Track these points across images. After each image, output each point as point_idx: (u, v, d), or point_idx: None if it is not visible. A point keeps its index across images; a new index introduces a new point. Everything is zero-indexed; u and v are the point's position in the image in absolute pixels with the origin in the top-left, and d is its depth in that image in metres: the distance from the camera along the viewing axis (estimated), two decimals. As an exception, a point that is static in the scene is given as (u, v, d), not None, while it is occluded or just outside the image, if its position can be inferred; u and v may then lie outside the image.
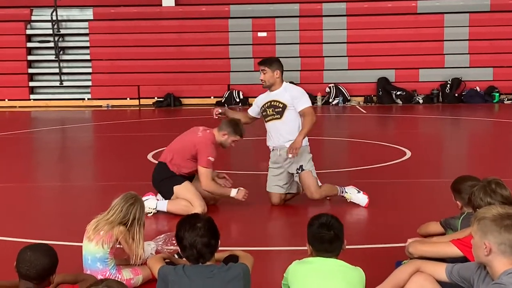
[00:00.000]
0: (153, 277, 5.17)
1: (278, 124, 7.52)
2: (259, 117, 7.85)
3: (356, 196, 7.47)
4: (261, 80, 7.56)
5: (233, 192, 7.33)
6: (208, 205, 7.35)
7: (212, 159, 7.22)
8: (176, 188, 7.31)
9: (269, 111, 7.56)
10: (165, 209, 7.32)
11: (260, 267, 5.16)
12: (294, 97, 7.49)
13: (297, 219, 7.16)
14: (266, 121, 7.64)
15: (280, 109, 7.50)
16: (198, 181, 7.40)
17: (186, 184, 7.34)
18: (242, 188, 7.37)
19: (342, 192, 7.51)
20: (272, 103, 7.56)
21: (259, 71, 7.62)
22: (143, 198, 7.19)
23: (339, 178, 8.83)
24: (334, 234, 4.00)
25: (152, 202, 7.37)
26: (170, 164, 7.36)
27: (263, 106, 7.64)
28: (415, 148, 11.36)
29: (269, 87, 7.56)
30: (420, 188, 8.66)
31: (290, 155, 7.24)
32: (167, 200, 7.37)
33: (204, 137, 7.31)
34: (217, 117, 7.69)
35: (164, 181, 7.39)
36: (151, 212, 7.33)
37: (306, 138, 7.52)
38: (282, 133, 7.49)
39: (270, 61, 7.59)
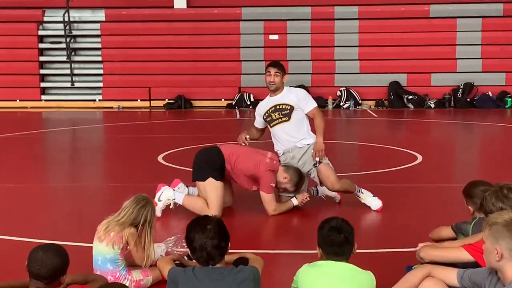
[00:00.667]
0: (162, 279, 5.17)
1: (287, 126, 7.53)
2: (265, 126, 7.83)
3: (371, 199, 7.44)
4: (272, 82, 7.57)
5: (295, 202, 7.42)
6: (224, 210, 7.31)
7: (273, 185, 7.27)
8: (209, 181, 7.16)
9: (275, 115, 7.56)
10: (180, 202, 7.27)
11: (270, 270, 5.14)
12: (300, 98, 7.57)
13: (308, 222, 7.15)
14: (272, 126, 7.62)
15: (288, 111, 7.52)
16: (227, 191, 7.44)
17: (219, 184, 7.19)
18: (298, 196, 7.39)
19: (359, 191, 7.49)
20: (278, 106, 7.57)
21: (266, 73, 7.65)
22: (158, 192, 7.23)
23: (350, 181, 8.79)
24: (344, 238, 3.99)
25: (170, 192, 7.26)
26: (227, 162, 7.30)
27: (266, 112, 7.64)
28: (426, 153, 11.32)
29: (275, 90, 7.61)
30: (431, 192, 8.63)
31: (317, 158, 7.35)
32: (184, 194, 7.32)
33: (271, 165, 7.29)
34: (244, 144, 7.64)
35: (208, 165, 7.26)
36: (172, 204, 7.26)
37: (314, 138, 7.56)
38: (293, 134, 7.50)
39: (281, 65, 7.74)
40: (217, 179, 7.21)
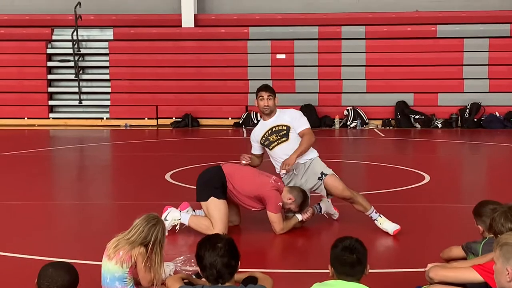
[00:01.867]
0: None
1: (286, 146, 7.52)
2: (263, 152, 7.83)
3: (388, 224, 7.24)
4: (266, 106, 7.57)
5: (300, 217, 7.42)
6: (229, 226, 7.31)
7: (281, 204, 7.25)
8: (211, 200, 7.18)
9: (272, 138, 7.55)
10: (186, 223, 7.28)
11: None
12: (293, 117, 7.59)
13: (316, 241, 7.13)
14: (271, 148, 7.60)
15: (285, 131, 7.53)
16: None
17: (222, 203, 7.20)
18: (303, 212, 7.38)
19: (375, 213, 7.32)
20: (274, 129, 7.57)
21: (259, 98, 7.62)
22: (165, 213, 7.23)
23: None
24: (356, 258, 3.97)
25: (176, 213, 7.29)
26: (228, 181, 7.30)
27: (263, 137, 7.63)
28: (434, 173, 11.29)
29: (270, 114, 7.62)
30: (439, 212, 8.59)
31: (283, 171, 7.30)
32: (190, 214, 7.33)
33: (276, 185, 7.29)
34: (246, 163, 7.61)
35: (209, 184, 7.29)
36: (178, 226, 7.27)
37: (316, 153, 7.60)
38: (291, 151, 7.47)
39: (272, 88, 7.77)
40: (220, 198, 7.21)
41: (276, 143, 7.55)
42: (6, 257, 6.49)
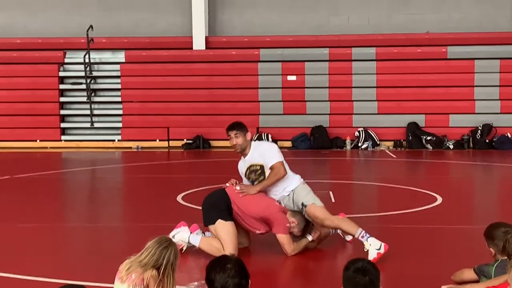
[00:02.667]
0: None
1: None
2: None
3: (374, 251, 6.97)
4: (234, 145, 7.47)
5: (310, 238, 7.38)
6: (239, 248, 7.30)
7: (289, 225, 7.24)
8: (219, 223, 7.17)
9: (253, 176, 7.51)
10: (197, 245, 7.26)
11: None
12: (263, 154, 7.41)
13: (329, 263, 7.10)
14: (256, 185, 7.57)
15: (260, 171, 7.45)
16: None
17: (229, 224, 7.19)
18: (313, 232, 7.36)
19: (363, 237, 7.09)
20: (251, 168, 7.51)
21: (228, 137, 7.52)
22: (175, 230, 7.22)
23: (369, 222, 8.74)
24: (369, 280, 3.95)
25: (185, 235, 7.29)
26: (233, 202, 7.30)
27: (245, 174, 7.59)
28: (446, 194, 11.25)
29: (242, 151, 7.50)
30: (452, 234, 8.55)
31: (237, 187, 7.27)
32: (200, 236, 7.32)
33: (281, 207, 7.31)
34: (233, 184, 7.51)
35: (215, 207, 7.29)
36: (184, 246, 7.27)
37: (299, 179, 7.47)
38: (274, 187, 7.41)
39: (240, 125, 7.55)
40: (227, 220, 7.21)
41: (257, 181, 7.50)
42: (19, 280, 6.50)
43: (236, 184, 7.46)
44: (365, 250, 6.98)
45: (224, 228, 7.18)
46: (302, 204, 7.32)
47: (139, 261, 5.00)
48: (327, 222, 7.23)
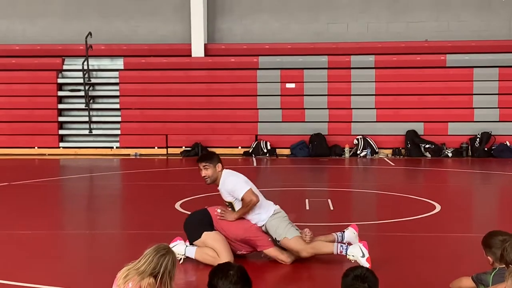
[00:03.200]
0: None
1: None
2: None
3: (360, 259, 6.96)
4: (204, 177, 7.41)
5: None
6: (235, 256, 7.29)
7: (270, 239, 7.34)
8: (205, 235, 7.25)
9: (229, 207, 7.50)
10: (193, 256, 7.28)
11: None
12: (230, 191, 7.35)
13: (328, 271, 7.08)
14: None
15: (230, 207, 7.45)
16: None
17: (216, 233, 7.29)
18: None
19: (341, 252, 7.09)
20: (225, 202, 7.52)
21: (198, 168, 7.43)
22: (172, 244, 7.23)
23: (368, 230, 8.74)
24: (368, 287, 3.94)
25: (181, 248, 7.32)
26: (215, 222, 7.34)
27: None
28: (444, 202, 11.25)
29: (212, 183, 7.45)
30: (450, 242, 8.55)
31: (218, 210, 7.27)
32: (195, 247, 7.32)
33: (258, 228, 7.37)
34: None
35: (198, 224, 7.35)
36: (181, 259, 7.29)
37: (273, 208, 7.42)
38: (250, 217, 7.39)
39: (211, 156, 7.48)
40: (211, 230, 7.30)
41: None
42: (17, 287, 6.48)
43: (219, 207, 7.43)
44: (353, 262, 6.96)
45: (211, 238, 7.24)
46: (275, 239, 7.35)
47: (137, 269, 4.98)
48: (303, 254, 7.23)
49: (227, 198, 7.44)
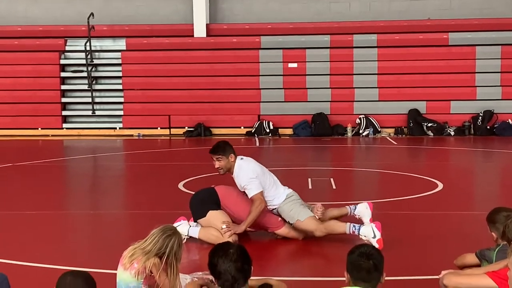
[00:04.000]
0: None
1: None
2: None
3: (371, 240, 6.92)
4: (218, 168, 7.42)
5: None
6: (240, 235, 7.33)
7: (280, 219, 7.42)
8: (209, 214, 7.29)
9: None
10: (196, 236, 7.32)
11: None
12: (242, 185, 7.38)
13: (333, 249, 7.13)
14: None
15: (244, 193, 7.44)
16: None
17: (221, 213, 7.32)
18: (313, 210, 7.38)
19: (354, 232, 7.09)
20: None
21: (213, 159, 7.41)
22: (176, 224, 7.27)
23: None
24: (373, 264, 3.98)
25: (185, 228, 7.36)
26: (222, 203, 7.37)
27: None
28: (447, 180, 11.28)
29: (225, 173, 7.46)
30: (453, 220, 8.59)
31: (224, 226, 7.21)
32: (199, 227, 7.37)
33: (266, 210, 7.39)
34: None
35: (204, 202, 7.38)
36: (184, 239, 7.33)
37: (285, 193, 7.47)
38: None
39: (223, 147, 7.45)
40: (216, 209, 7.32)
41: None
42: (24, 267, 6.54)
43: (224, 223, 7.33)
44: (366, 241, 6.98)
45: (216, 217, 7.27)
46: (289, 223, 7.41)
47: (142, 248, 5.03)
48: (317, 234, 7.29)
49: (239, 186, 7.45)
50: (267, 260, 6.99)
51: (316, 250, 7.26)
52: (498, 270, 4.41)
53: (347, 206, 7.62)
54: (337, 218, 7.48)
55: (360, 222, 7.43)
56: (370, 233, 6.98)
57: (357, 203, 7.65)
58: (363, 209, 7.56)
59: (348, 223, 7.19)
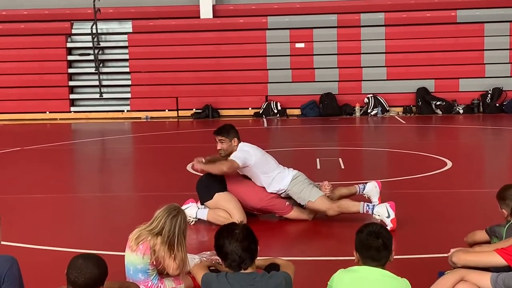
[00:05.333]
0: (194, 287, 5.19)
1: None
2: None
3: (385, 220, 6.91)
4: (219, 150, 7.40)
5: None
6: (249, 215, 7.34)
7: (288, 203, 7.44)
8: (217, 195, 7.30)
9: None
10: (205, 218, 7.34)
11: (300, 277, 5.14)
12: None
13: (339, 230, 7.13)
14: None
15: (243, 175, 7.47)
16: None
17: (228, 194, 7.33)
18: (320, 187, 7.39)
19: (367, 211, 7.08)
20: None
21: (215, 140, 7.42)
22: (184, 206, 7.28)
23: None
24: (382, 243, 3.98)
25: (193, 210, 7.38)
26: (229, 189, 7.39)
27: None
28: (456, 159, 11.25)
29: (226, 156, 7.40)
30: (462, 198, 8.57)
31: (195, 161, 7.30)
32: (207, 209, 7.38)
33: (272, 195, 7.41)
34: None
35: (211, 186, 7.38)
36: (192, 221, 7.35)
37: (291, 174, 7.42)
38: (270, 188, 7.41)
39: (227, 130, 7.44)
40: (223, 191, 7.33)
41: None
42: (33, 249, 6.57)
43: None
44: (379, 221, 6.96)
45: (225, 199, 7.28)
46: (300, 205, 7.41)
47: (149, 230, 5.04)
48: (330, 212, 7.27)
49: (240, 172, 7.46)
50: (275, 240, 7.00)
51: (325, 230, 7.27)
52: (507, 247, 4.39)
53: (356, 185, 7.61)
54: (346, 196, 7.46)
55: (368, 201, 7.41)
56: (384, 212, 6.97)
57: (366, 182, 7.64)
58: (372, 188, 7.55)
59: (362, 202, 7.17)
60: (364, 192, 7.56)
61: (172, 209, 5.12)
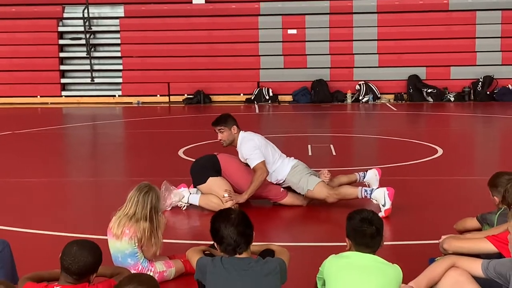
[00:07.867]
0: (185, 270, 5.23)
1: None
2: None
3: (380, 207, 6.96)
4: (220, 140, 7.41)
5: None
6: (241, 203, 7.35)
7: (282, 189, 7.47)
8: (209, 180, 7.29)
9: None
10: (197, 203, 7.35)
11: (293, 262, 5.17)
12: (244, 156, 7.34)
13: (333, 216, 7.16)
14: None
15: (247, 164, 7.43)
16: None
17: (221, 179, 7.33)
18: (320, 176, 7.41)
19: (366, 196, 7.12)
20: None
21: (215, 131, 7.41)
22: (177, 191, 7.31)
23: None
24: (376, 229, 4.01)
25: (185, 195, 7.39)
26: (223, 172, 7.37)
27: None
28: (446, 146, 11.29)
29: (228, 145, 7.43)
30: (452, 185, 8.62)
31: (226, 194, 7.21)
32: (199, 194, 7.39)
33: (267, 182, 7.40)
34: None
35: (205, 168, 7.39)
36: (184, 206, 7.36)
37: (290, 164, 7.44)
38: (268, 179, 7.43)
39: (225, 119, 7.43)
40: (217, 175, 7.33)
41: None
42: (23, 233, 6.57)
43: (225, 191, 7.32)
44: (376, 201, 7.06)
45: (217, 184, 7.29)
46: (300, 194, 7.44)
47: (126, 214, 5.09)
48: (330, 200, 7.30)
49: (242, 158, 7.43)
50: (269, 226, 7.03)
51: (318, 215, 7.30)
52: (498, 234, 4.43)
53: (356, 173, 7.65)
54: (346, 184, 7.50)
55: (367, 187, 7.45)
56: (381, 198, 7.00)
57: (366, 170, 7.67)
58: (372, 176, 7.63)
59: (360, 187, 7.22)
60: (364, 180, 7.61)
61: (143, 187, 5.21)
